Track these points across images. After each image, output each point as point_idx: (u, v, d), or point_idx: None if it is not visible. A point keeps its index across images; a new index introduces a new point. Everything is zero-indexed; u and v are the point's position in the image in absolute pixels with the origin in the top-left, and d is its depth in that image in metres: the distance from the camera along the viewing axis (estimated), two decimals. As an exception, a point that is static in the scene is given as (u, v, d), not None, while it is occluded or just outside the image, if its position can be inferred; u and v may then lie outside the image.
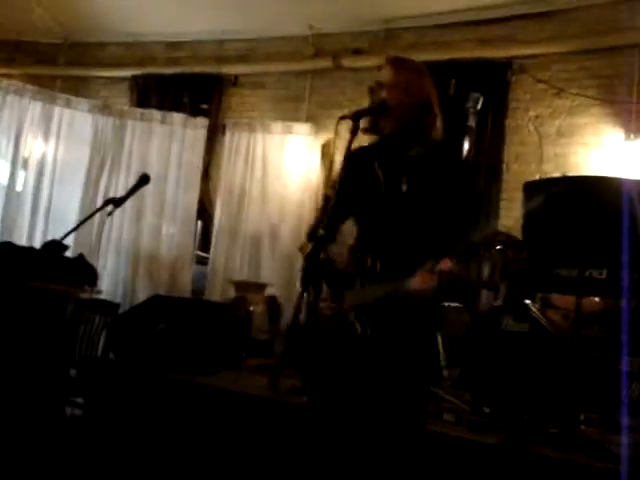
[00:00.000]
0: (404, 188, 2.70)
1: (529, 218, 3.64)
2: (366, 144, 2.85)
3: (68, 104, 8.16)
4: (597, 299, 4.40)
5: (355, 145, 2.73)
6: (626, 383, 3.89)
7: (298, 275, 2.82)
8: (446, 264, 2.42)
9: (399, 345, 2.59)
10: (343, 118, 2.67)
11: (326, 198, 3.03)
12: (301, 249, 2.84)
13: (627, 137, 6.30)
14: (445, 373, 4.78)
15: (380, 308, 2.57)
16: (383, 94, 2.69)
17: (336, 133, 2.73)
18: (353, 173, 2.83)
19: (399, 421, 2.56)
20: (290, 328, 2.73)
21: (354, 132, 2.64)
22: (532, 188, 3.77)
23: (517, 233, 5.41)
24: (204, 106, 8.59)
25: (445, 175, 2.71)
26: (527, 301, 4.05)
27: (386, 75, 2.72)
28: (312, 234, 2.99)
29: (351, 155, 2.95)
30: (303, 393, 2.68)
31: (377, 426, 2.56)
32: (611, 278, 3.34)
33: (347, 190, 2.83)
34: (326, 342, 2.70)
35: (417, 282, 2.42)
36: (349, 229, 2.87)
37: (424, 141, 2.76)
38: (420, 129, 2.75)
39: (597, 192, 3.40)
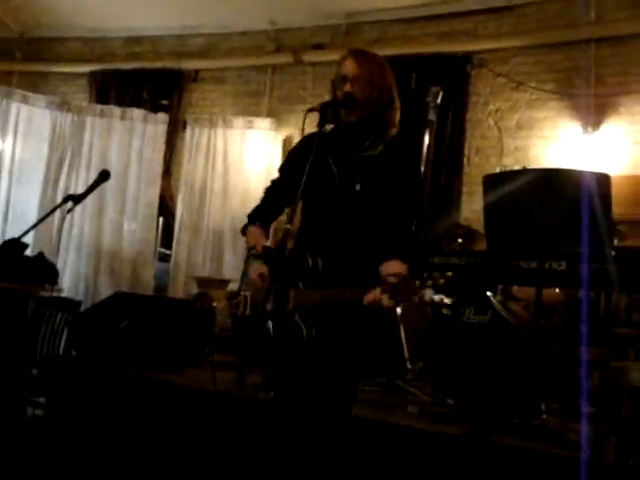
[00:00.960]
0: (357, 187, 2.71)
1: (489, 211, 3.67)
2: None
3: (25, 100, 8.07)
4: (557, 290, 4.45)
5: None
6: (586, 372, 3.94)
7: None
8: (402, 271, 2.40)
9: (340, 345, 2.60)
10: (311, 111, 2.68)
11: (272, 182, 3.02)
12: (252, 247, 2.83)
13: (585, 130, 6.39)
14: (409, 366, 4.81)
15: (326, 310, 2.57)
16: (347, 87, 2.69)
17: (303, 127, 2.73)
18: (301, 158, 2.83)
19: (325, 411, 2.57)
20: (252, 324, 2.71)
21: (321, 124, 2.65)
22: (492, 181, 3.80)
23: (478, 226, 5.47)
24: (164, 102, 8.54)
25: (397, 175, 2.72)
26: (488, 293, 4.09)
27: (350, 68, 2.71)
28: (252, 215, 3.00)
29: (302, 141, 2.96)
30: (269, 389, 2.67)
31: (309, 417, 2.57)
32: (570, 269, 3.38)
33: (293, 174, 2.84)
34: (275, 341, 2.70)
35: (372, 298, 2.39)
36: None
37: (383, 135, 2.76)
38: (382, 122, 2.76)
39: (556, 184, 3.44)
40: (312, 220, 2.66)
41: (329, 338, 2.59)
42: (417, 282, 2.22)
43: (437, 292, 2.17)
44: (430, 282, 2.19)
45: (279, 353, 2.69)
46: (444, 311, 3.86)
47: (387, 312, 2.37)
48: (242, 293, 2.90)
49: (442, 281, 2.17)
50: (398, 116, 2.80)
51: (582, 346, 3.89)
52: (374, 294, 2.34)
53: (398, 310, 4.65)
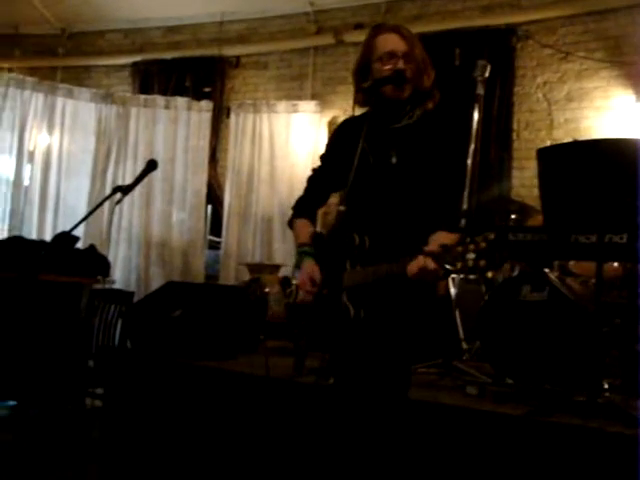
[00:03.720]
0: (394, 161, 2.65)
1: (545, 185, 3.57)
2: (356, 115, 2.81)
3: (70, 94, 8.14)
4: (615, 264, 4.34)
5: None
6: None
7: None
8: (450, 241, 2.34)
9: (392, 327, 2.56)
10: (363, 89, 2.64)
11: (314, 170, 2.99)
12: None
13: (638, 99, 6.22)
14: (464, 346, 4.75)
15: (374, 289, 2.52)
16: (400, 64, 2.63)
17: (354, 107, 2.69)
18: (340, 144, 2.82)
19: (381, 395, 2.52)
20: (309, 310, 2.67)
21: (375, 103, 2.60)
22: (546, 154, 3.69)
23: (530, 200, 5.37)
24: (207, 89, 8.53)
25: (436, 144, 2.66)
26: (545, 269, 3.99)
27: (397, 44, 2.65)
28: (298, 207, 2.97)
29: (340, 127, 2.94)
30: (329, 375, 2.64)
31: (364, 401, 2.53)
32: (632, 242, 3.28)
33: (334, 160, 2.82)
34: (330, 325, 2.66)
35: (416, 268, 2.34)
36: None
37: (419, 104, 2.72)
38: (419, 93, 2.71)
39: (613, 155, 3.33)
40: (354, 200, 2.60)
41: (378, 318, 2.54)
42: (460, 248, 2.15)
43: (479, 256, 2.10)
44: (472, 246, 2.12)
45: (333, 337, 2.65)
46: (489, 274, 3.79)
47: (432, 279, 2.32)
48: (294, 282, 2.88)
49: (484, 244, 2.11)
50: (433, 86, 2.75)
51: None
52: (417, 262, 2.29)
53: (452, 291, 4.60)
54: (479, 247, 2.11)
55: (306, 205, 2.97)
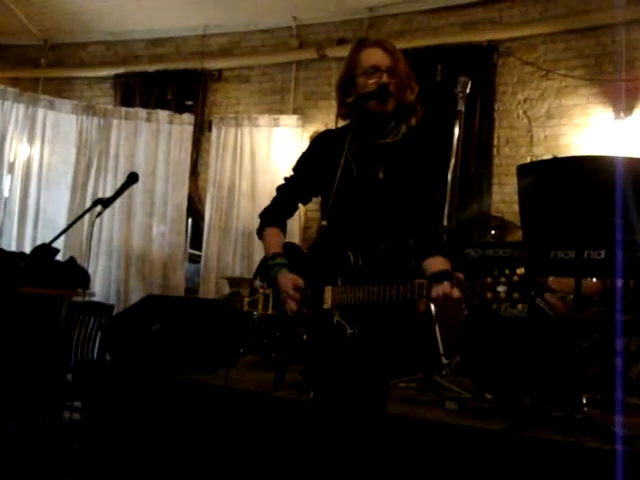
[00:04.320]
0: (380, 176, 2.66)
1: (524, 201, 3.60)
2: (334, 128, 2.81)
3: (51, 106, 8.09)
4: (594, 280, 4.37)
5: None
6: (625, 363, 3.87)
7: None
8: (449, 267, 2.39)
9: (382, 344, 2.56)
10: (346, 104, 2.65)
11: (285, 179, 2.98)
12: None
13: (617, 116, 6.28)
14: (444, 361, 4.76)
15: (367, 308, 2.52)
16: (384, 78, 2.63)
17: (336, 122, 2.69)
18: (318, 154, 2.81)
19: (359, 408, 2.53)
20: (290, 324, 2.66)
21: (357, 117, 2.60)
22: (526, 171, 3.73)
23: (510, 216, 5.40)
24: (189, 102, 8.53)
25: (421, 161, 2.67)
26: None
27: (381, 58, 2.66)
28: (266, 215, 2.96)
29: (319, 137, 2.94)
30: (308, 390, 2.63)
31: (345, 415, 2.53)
32: (609, 258, 3.30)
33: (309, 171, 2.82)
34: (316, 340, 2.65)
35: (442, 294, 2.32)
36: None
37: (404, 120, 2.73)
38: (403, 109, 2.71)
39: (592, 172, 3.36)
40: (339, 215, 2.60)
41: (371, 336, 2.54)
42: (490, 279, 2.18)
43: (511, 289, 2.12)
44: (503, 279, 2.14)
45: (317, 352, 2.64)
46: (520, 307, 3.82)
47: (453, 305, 2.34)
48: (261, 290, 2.86)
49: (516, 278, 2.13)
50: (417, 101, 2.76)
51: (620, 337, 3.82)
52: (443, 288, 2.29)
53: (432, 306, 4.60)
54: (512, 280, 2.14)
55: (275, 214, 2.94)
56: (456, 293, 2.28)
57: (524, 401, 3.72)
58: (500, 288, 2.14)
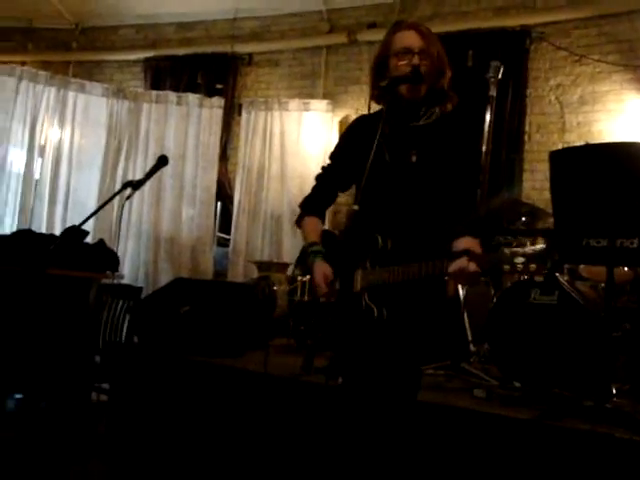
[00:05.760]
0: (413, 159, 2.64)
1: (557, 188, 3.55)
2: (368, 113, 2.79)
3: (82, 89, 8.14)
4: (626, 269, 4.32)
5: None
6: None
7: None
8: (476, 246, 2.35)
9: (412, 328, 2.55)
10: (379, 87, 2.64)
11: (323, 169, 2.97)
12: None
13: (651, 102, 6.18)
14: (472, 348, 4.73)
15: (396, 290, 2.51)
16: (415, 60, 2.61)
17: (369, 105, 2.68)
18: (353, 141, 2.80)
19: (391, 396, 2.52)
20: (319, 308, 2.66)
21: (391, 101, 2.60)
22: (559, 157, 3.67)
23: (541, 203, 5.34)
24: (219, 86, 8.53)
25: (455, 144, 2.64)
26: (555, 273, 3.98)
27: (414, 40, 2.64)
28: (306, 205, 2.95)
29: (353, 124, 2.92)
30: (337, 375, 2.62)
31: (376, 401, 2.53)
32: (643, 247, 3.25)
33: (346, 158, 2.81)
34: (345, 324, 2.65)
35: (458, 268, 2.33)
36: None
37: (437, 104, 2.70)
38: (436, 92, 2.69)
39: (625, 159, 3.31)
40: (371, 199, 2.58)
41: (400, 318, 2.53)
42: (508, 250, 2.16)
43: (529, 260, 2.11)
44: (521, 250, 2.13)
45: (347, 336, 2.64)
46: (537, 278, 3.80)
47: (469, 282, 2.32)
48: (299, 278, 2.87)
49: (533, 250, 2.11)
50: (450, 86, 2.74)
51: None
52: (460, 262, 2.28)
53: (461, 292, 4.58)
54: (529, 252, 2.12)
55: (315, 204, 2.95)
56: (472, 267, 2.26)
57: (553, 390, 3.69)
58: (518, 259, 2.13)
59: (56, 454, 4.21)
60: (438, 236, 2.50)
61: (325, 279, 2.65)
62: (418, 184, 2.62)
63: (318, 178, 2.97)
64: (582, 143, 6.03)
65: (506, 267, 2.16)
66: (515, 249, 2.15)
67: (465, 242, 2.39)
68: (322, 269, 2.67)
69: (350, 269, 2.62)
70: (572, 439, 2.92)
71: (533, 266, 2.11)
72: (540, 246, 2.13)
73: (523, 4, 7.12)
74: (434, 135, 2.65)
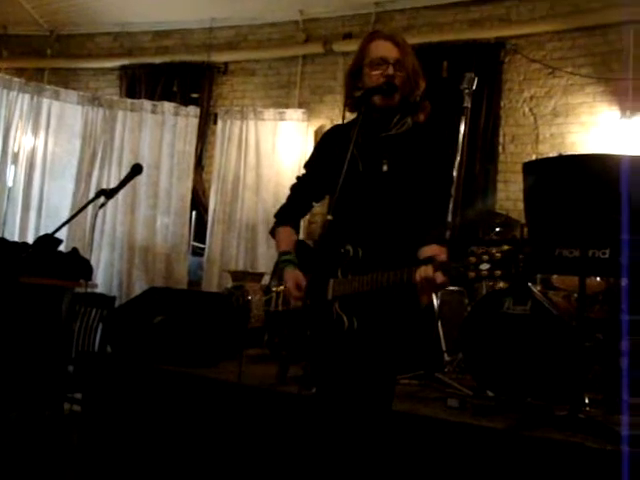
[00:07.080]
0: (385, 169, 2.64)
1: (530, 199, 3.58)
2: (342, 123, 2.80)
3: (57, 96, 8.08)
4: (598, 279, 4.35)
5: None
6: (628, 364, 3.85)
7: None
8: (442, 254, 2.35)
9: (384, 338, 2.55)
10: (352, 96, 2.66)
11: (298, 178, 2.97)
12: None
13: (623, 114, 6.26)
14: (446, 358, 4.75)
15: (367, 299, 2.51)
16: (389, 70, 2.62)
17: (343, 116, 2.69)
18: (327, 150, 2.81)
19: (367, 405, 2.52)
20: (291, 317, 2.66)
21: (365, 111, 2.60)
22: (531, 168, 3.71)
23: (515, 214, 5.38)
24: (194, 95, 8.53)
25: (426, 154, 2.65)
26: (528, 283, 4.00)
27: (389, 51, 2.65)
28: (280, 215, 2.95)
29: (327, 133, 2.93)
30: (311, 385, 2.62)
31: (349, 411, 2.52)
32: (614, 257, 3.28)
33: (320, 168, 2.82)
34: (317, 334, 2.65)
35: (423, 277, 2.32)
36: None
37: (408, 114, 2.71)
38: (408, 102, 2.70)
39: (597, 170, 3.34)
40: (343, 209, 2.59)
41: (371, 328, 2.53)
42: (473, 258, 2.15)
43: (494, 266, 2.10)
44: (486, 257, 2.12)
45: (319, 345, 2.63)
46: (501, 284, 3.80)
47: (438, 290, 2.31)
48: (274, 289, 2.86)
49: (499, 255, 2.11)
50: (423, 97, 2.75)
51: (624, 337, 3.80)
52: (425, 270, 2.27)
53: (435, 301, 4.59)
54: (494, 257, 2.11)
55: (289, 214, 2.95)
56: (440, 278, 2.26)
57: (526, 400, 3.71)
58: (483, 266, 2.13)
59: (29, 465, 4.16)
60: (408, 246, 2.50)
61: (297, 285, 2.64)
62: (389, 193, 2.62)
63: (293, 188, 2.97)
64: (555, 154, 6.07)
65: (471, 274, 2.16)
66: (481, 256, 2.15)
67: (431, 250, 2.40)
68: (293, 275, 2.68)
69: (323, 279, 2.62)
70: (545, 449, 2.94)
71: (498, 272, 2.12)
72: (506, 247, 2.13)
73: (498, 17, 7.18)
74: (405, 145, 2.66)
